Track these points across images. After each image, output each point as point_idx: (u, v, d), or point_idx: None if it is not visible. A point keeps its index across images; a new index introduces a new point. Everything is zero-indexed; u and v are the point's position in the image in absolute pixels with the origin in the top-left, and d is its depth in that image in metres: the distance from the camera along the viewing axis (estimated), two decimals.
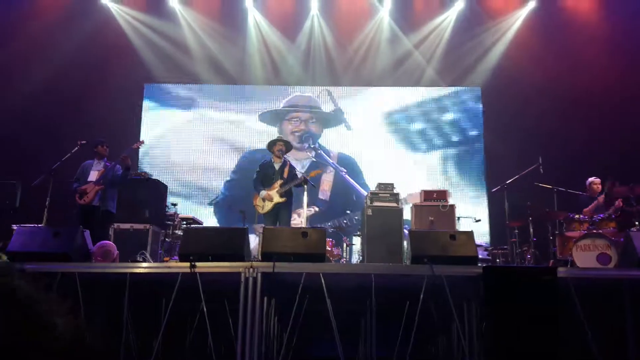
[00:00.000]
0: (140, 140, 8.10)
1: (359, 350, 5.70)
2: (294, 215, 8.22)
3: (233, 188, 11.00)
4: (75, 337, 0.71)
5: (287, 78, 11.60)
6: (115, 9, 11.34)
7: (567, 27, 10.84)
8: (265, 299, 4.86)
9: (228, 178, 11.17)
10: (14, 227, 6.56)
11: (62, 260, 4.79)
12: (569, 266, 6.22)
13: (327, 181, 11.02)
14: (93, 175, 7.04)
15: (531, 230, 7.73)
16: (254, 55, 11.51)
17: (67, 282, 4.53)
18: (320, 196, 10.86)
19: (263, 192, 7.25)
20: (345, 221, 10.41)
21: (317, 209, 10.74)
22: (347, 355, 4.85)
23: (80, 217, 6.83)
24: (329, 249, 7.53)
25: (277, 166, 7.44)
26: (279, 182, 7.23)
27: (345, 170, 11.03)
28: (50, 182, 7.03)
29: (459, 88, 11.43)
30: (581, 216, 7.16)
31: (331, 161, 11.06)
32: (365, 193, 8.71)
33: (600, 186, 7.94)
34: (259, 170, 7.56)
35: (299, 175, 7.41)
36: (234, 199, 10.68)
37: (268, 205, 7.20)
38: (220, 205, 10.96)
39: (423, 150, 11.19)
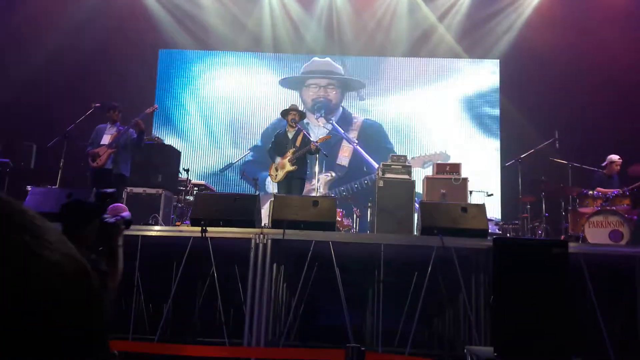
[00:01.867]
0: (154, 105, 8.08)
1: (365, 319, 5.76)
2: (313, 181, 8.21)
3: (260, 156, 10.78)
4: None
5: (304, 46, 11.49)
6: None
7: (589, 1, 10.56)
8: (275, 265, 4.90)
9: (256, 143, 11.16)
10: (29, 187, 6.63)
11: None
12: (580, 242, 6.17)
13: (347, 147, 11.00)
14: (106, 139, 7.06)
15: (544, 205, 7.64)
16: (270, 22, 11.39)
17: None
18: (339, 162, 10.89)
19: (277, 159, 7.30)
20: (356, 185, 10.50)
21: (334, 174, 10.76)
22: (353, 324, 4.90)
23: (93, 180, 6.87)
24: (339, 219, 7.55)
25: (290, 135, 7.43)
26: (292, 150, 7.23)
27: (356, 142, 10.98)
28: (65, 144, 7.08)
29: (477, 60, 11.26)
30: (595, 192, 7.02)
31: (343, 132, 11.00)
32: (376, 166, 8.69)
33: (620, 166, 7.61)
34: (274, 140, 7.62)
35: (312, 144, 7.39)
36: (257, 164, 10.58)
37: (281, 174, 7.22)
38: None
39: (438, 121, 11.07)
